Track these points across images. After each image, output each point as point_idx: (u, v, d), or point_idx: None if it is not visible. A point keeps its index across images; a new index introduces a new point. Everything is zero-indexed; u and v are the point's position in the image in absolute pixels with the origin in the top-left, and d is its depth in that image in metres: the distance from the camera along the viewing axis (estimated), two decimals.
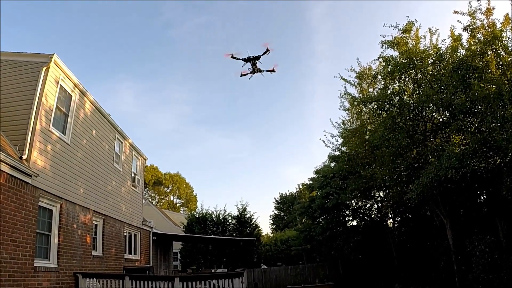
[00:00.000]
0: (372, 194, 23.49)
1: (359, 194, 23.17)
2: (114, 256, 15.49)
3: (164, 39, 76.69)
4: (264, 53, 13.43)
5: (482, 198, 16.88)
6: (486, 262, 12.32)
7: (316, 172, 28.47)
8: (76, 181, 12.55)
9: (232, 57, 13.73)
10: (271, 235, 47.29)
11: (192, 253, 31.35)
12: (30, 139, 9.96)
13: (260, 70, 13.99)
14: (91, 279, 11.94)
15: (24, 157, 9.69)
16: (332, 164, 25.84)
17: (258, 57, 13.62)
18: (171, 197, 67.66)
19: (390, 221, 24.95)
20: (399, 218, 24.22)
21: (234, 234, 31.75)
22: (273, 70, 14.17)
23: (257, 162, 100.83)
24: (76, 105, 12.67)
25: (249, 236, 29.37)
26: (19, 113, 10.29)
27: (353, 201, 25.05)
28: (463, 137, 14.17)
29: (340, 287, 24.85)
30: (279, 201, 57.85)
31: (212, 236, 29.96)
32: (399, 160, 16.04)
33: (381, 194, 23.43)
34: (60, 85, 11.52)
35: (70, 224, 11.94)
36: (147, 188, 62.13)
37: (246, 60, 13.67)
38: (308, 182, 32.43)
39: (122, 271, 15.36)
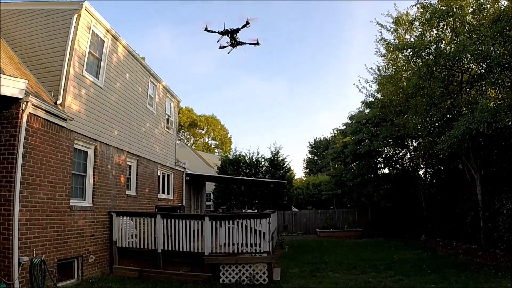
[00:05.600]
0: (405, 143, 23.20)
1: (391, 142, 22.95)
2: (148, 195, 16.14)
3: None
4: (244, 26, 12.45)
5: None
6: None
7: (350, 117, 28.29)
8: (110, 124, 12.94)
9: (206, 30, 12.86)
10: (304, 178, 47.75)
11: (225, 194, 32.21)
12: (64, 84, 10.24)
13: (241, 43, 13.08)
14: (125, 217, 12.48)
15: (59, 102, 10.01)
16: (366, 110, 25.52)
17: (237, 30, 12.61)
18: (206, 139, 68.78)
19: (421, 172, 24.81)
20: (431, 170, 24.03)
21: (267, 177, 32.27)
22: (257, 43, 13.23)
23: (292, 106, 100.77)
24: (109, 50, 12.83)
25: (281, 179, 29.79)
26: (53, 60, 10.51)
27: (385, 149, 24.88)
28: (499, 91, 13.63)
29: (368, 234, 25.32)
30: (313, 145, 57.93)
31: (244, 177, 30.52)
32: (433, 110, 15.67)
33: (414, 144, 23.15)
34: (92, 31, 11.62)
35: (105, 165, 12.45)
36: (182, 130, 63.26)
37: (222, 33, 12.74)
38: (342, 127, 32.27)
39: (155, 209, 16.03)
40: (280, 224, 27.59)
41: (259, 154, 33.96)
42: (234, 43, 12.96)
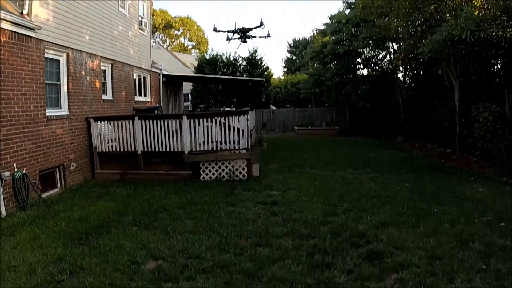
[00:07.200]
0: (385, 45, 22.88)
1: (371, 43, 22.64)
2: (125, 99, 15.94)
3: None
4: (257, 27, 11.71)
5: (495, 68, 16.60)
6: (487, 130, 12.30)
7: (330, 17, 27.59)
8: (81, 29, 12.29)
9: (215, 30, 12.02)
10: (282, 78, 47.56)
11: (203, 94, 32.11)
12: None
13: (251, 37, 12.35)
14: (103, 122, 12.43)
15: (25, 11, 9.34)
16: (347, 11, 24.95)
17: (249, 29, 11.94)
18: (182, 40, 67.12)
19: (400, 75, 24.87)
20: (410, 73, 24.06)
21: (245, 75, 32.03)
22: (268, 35, 12.55)
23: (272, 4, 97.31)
24: None
25: (259, 78, 29.61)
26: None
27: (365, 50, 24.66)
28: (484, 1, 13.18)
29: (345, 133, 26.01)
30: (292, 45, 57.18)
31: (222, 76, 30.21)
32: (416, 13, 15.30)
33: (394, 46, 22.90)
34: None
35: (78, 71, 12.05)
36: (158, 32, 61.47)
37: (233, 32, 11.97)
38: (322, 27, 31.61)
39: (132, 112, 15.92)
40: (258, 122, 27.95)
41: (236, 53, 33.45)
42: (245, 38, 12.46)
